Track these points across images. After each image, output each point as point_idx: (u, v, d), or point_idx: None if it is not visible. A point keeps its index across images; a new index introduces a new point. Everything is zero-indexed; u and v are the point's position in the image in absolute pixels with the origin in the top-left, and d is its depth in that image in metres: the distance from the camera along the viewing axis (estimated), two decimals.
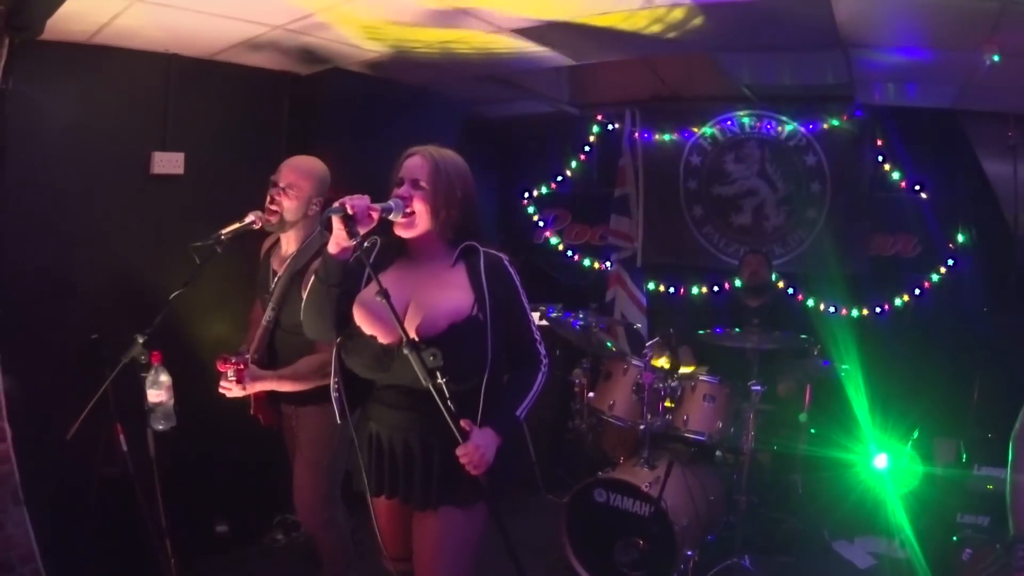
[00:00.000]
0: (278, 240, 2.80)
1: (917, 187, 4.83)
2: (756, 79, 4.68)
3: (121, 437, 2.91)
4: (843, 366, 3.99)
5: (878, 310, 4.92)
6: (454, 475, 1.98)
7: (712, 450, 4.06)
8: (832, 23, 3.10)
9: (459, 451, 1.90)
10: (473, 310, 2.03)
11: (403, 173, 2.08)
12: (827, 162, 5.05)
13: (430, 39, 3.47)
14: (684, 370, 4.11)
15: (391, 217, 2.01)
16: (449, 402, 1.87)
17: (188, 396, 2.77)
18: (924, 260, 4.85)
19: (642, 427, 3.61)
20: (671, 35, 3.34)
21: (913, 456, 3.81)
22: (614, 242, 5.58)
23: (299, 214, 2.67)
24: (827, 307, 4.96)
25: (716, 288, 5.38)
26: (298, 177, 2.66)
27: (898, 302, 4.88)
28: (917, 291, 4.83)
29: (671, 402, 3.69)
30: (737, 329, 3.86)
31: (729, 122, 5.31)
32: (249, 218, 2.63)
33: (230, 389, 2.53)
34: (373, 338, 2.01)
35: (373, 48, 3.61)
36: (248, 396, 2.63)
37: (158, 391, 2.65)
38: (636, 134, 5.54)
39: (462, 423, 1.91)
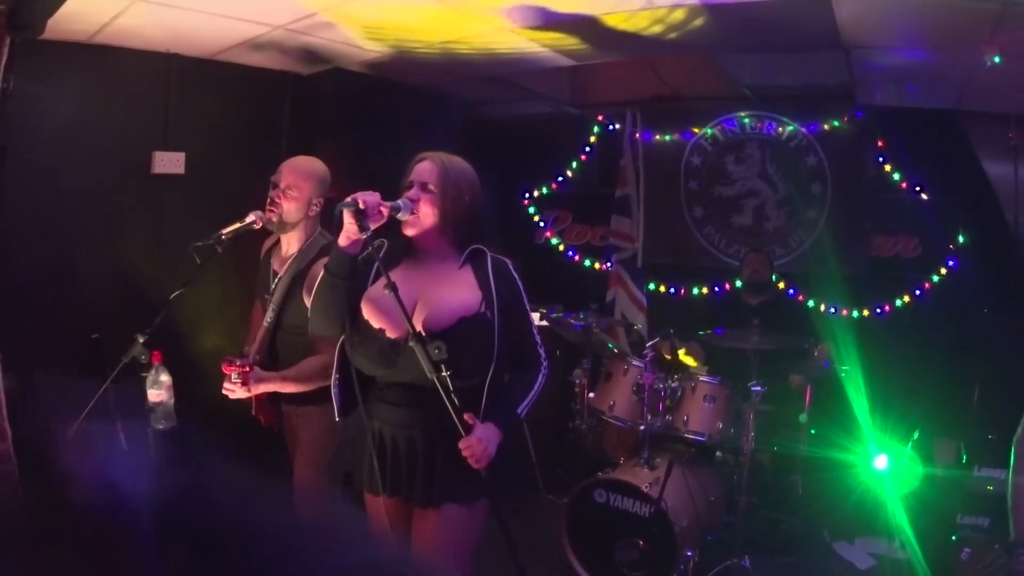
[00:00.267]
0: (278, 240, 2.79)
1: (918, 188, 4.83)
2: (757, 80, 4.68)
3: (121, 436, 2.91)
4: (843, 367, 3.99)
5: (878, 311, 4.92)
6: (457, 472, 2.02)
7: (712, 450, 4.06)
8: (833, 24, 3.10)
9: (462, 444, 1.95)
10: (481, 307, 2.09)
11: (413, 177, 2.13)
12: (828, 163, 5.05)
13: (431, 39, 3.47)
14: (686, 360, 4.10)
15: (399, 216, 2.06)
16: (453, 395, 1.91)
17: (188, 396, 2.76)
18: (924, 261, 4.85)
19: (642, 427, 3.61)
20: (672, 36, 3.34)
21: (913, 457, 3.81)
22: (615, 242, 5.57)
23: (299, 215, 2.67)
24: (828, 308, 4.96)
25: (716, 289, 5.38)
26: (298, 178, 2.66)
27: (898, 303, 4.88)
28: (918, 292, 4.83)
29: (671, 402, 3.69)
30: (737, 330, 3.85)
31: (730, 123, 5.31)
32: (250, 218, 2.63)
33: (234, 391, 2.53)
34: (382, 331, 2.05)
35: (374, 48, 3.61)
36: (250, 397, 2.63)
37: (158, 391, 2.64)
38: (637, 134, 5.53)
39: (465, 416, 1.96)
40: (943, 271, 4.77)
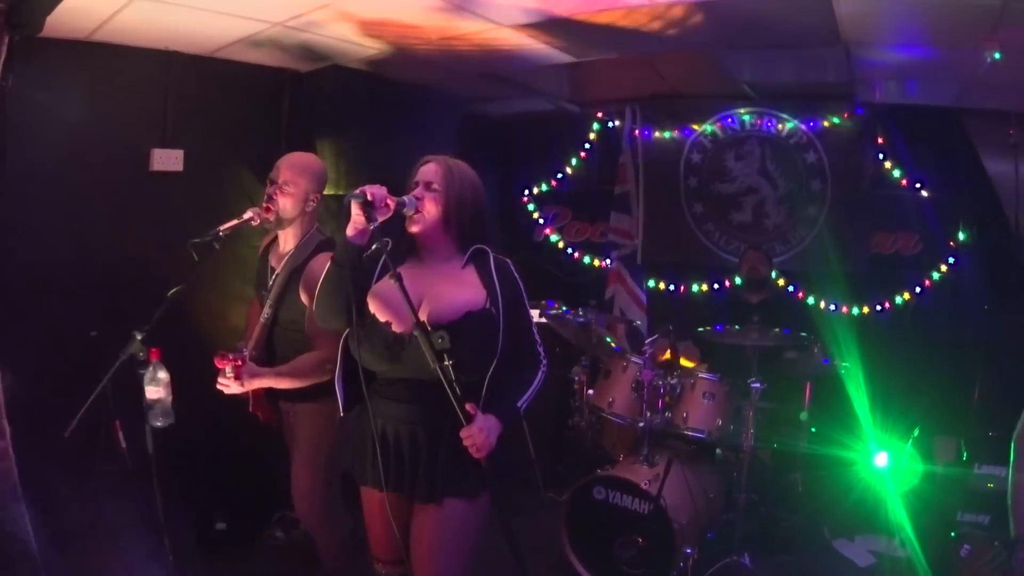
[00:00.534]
0: (276, 237, 2.79)
1: (918, 185, 4.82)
2: (756, 77, 4.67)
3: (120, 434, 2.91)
4: (843, 364, 3.99)
5: (879, 308, 4.92)
6: (459, 466, 2.06)
7: (712, 447, 4.05)
8: (833, 20, 3.09)
9: (463, 432, 1.98)
10: (486, 304, 2.13)
11: (418, 177, 2.18)
12: (828, 160, 5.05)
13: (430, 36, 3.46)
14: (684, 363, 4.11)
15: (405, 211, 2.10)
16: (455, 385, 1.94)
17: (186, 393, 2.77)
18: (925, 258, 4.85)
19: (641, 424, 3.61)
20: (671, 32, 3.33)
21: (913, 454, 3.81)
22: (614, 239, 5.57)
23: (296, 211, 2.66)
24: (828, 305, 4.96)
25: (716, 285, 5.38)
26: (295, 174, 2.66)
27: (899, 300, 4.88)
28: (918, 289, 4.83)
29: (670, 399, 3.69)
30: (737, 327, 3.85)
31: (729, 120, 5.31)
32: (247, 215, 2.63)
33: (228, 386, 2.53)
34: (388, 324, 2.08)
35: (373, 45, 3.61)
36: (246, 393, 2.63)
37: (156, 388, 2.64)
38: (636, 131, 5.53)
39: (467, 406, 1.99)
40: (943, 268, 4.76)
